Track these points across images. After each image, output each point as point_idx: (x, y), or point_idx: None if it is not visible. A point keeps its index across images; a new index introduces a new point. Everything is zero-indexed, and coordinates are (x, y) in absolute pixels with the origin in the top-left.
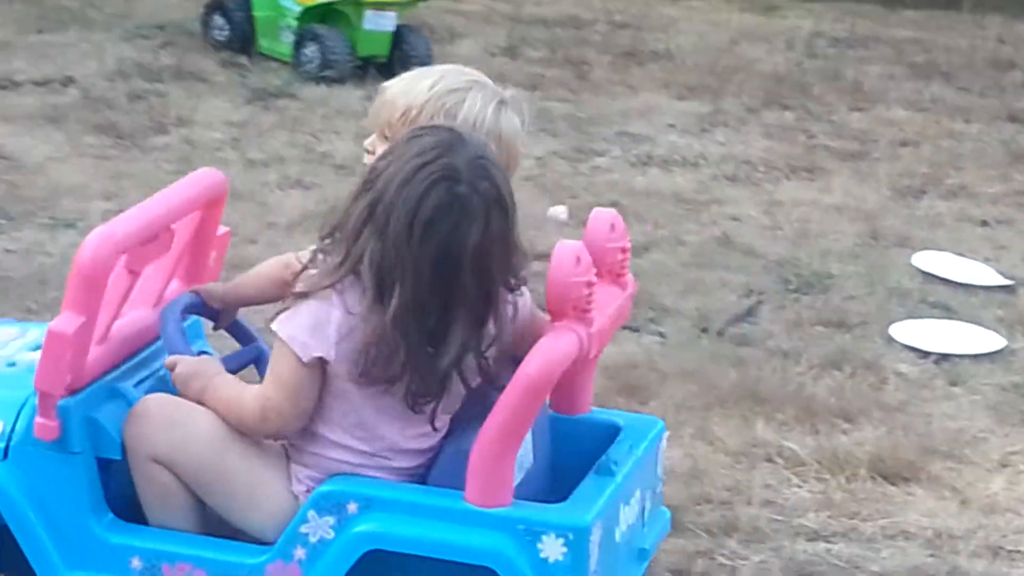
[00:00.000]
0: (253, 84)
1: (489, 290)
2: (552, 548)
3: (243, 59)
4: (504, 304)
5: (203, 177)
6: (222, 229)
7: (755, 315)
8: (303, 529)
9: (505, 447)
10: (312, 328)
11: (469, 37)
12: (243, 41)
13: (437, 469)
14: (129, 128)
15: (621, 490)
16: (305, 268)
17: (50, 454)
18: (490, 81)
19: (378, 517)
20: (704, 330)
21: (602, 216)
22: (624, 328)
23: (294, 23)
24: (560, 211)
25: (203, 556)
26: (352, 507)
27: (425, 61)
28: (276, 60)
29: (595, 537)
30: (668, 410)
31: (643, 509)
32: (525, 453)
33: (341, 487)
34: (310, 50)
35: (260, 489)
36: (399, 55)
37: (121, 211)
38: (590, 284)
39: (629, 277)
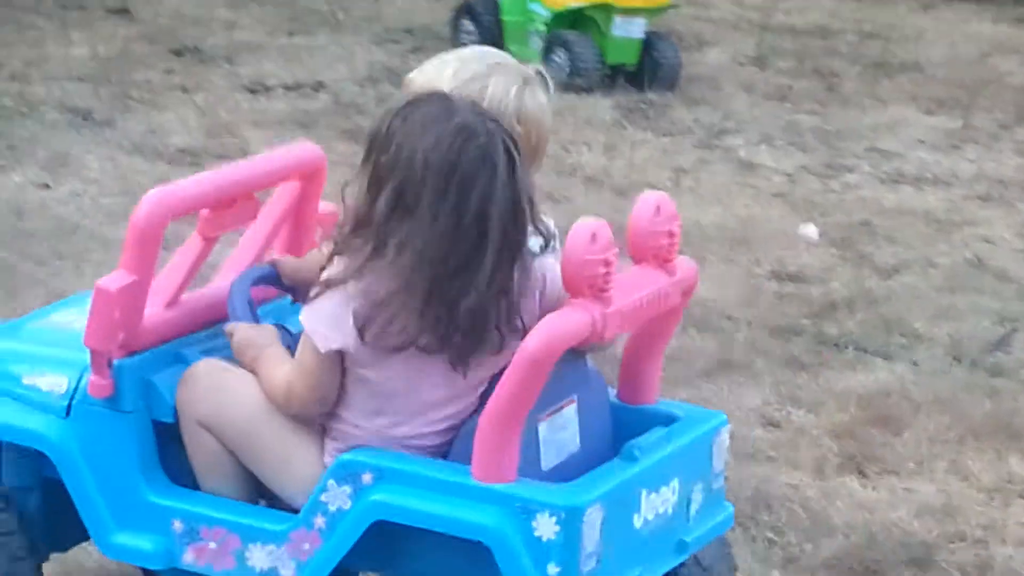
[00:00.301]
0: None
1: (524, 225)
2: (545, 526)
3: None
4: (533, 269)
5: (296, 149)
6: (330, 208)
7: (1009, 344)
8: (323, 498)
9: (507, 423)
10: (331, 319)
11: (717, 45)
12: (492, 45)
13: (456, 446)
14: None
15: (645, 477)
16: (325, 266)
17: (105, 412)
18: (512, 60)
19: (389, 488)
20: (957, 359)
21: (648, 198)
22: (875, 355)
23: (543, 28)
24: (811, 230)
25: (236, 521)
26: (367, 477)
27: (674, 69)
28: None
29: (593, 519)
30: (921, 442)
31: (687, 500)
32: (570, 437)
33: (358, 457)
34: (559, 56)
35: (293, 458)
36: (648, 62)
37: None
38: (607, 263)
39: (681, 261)
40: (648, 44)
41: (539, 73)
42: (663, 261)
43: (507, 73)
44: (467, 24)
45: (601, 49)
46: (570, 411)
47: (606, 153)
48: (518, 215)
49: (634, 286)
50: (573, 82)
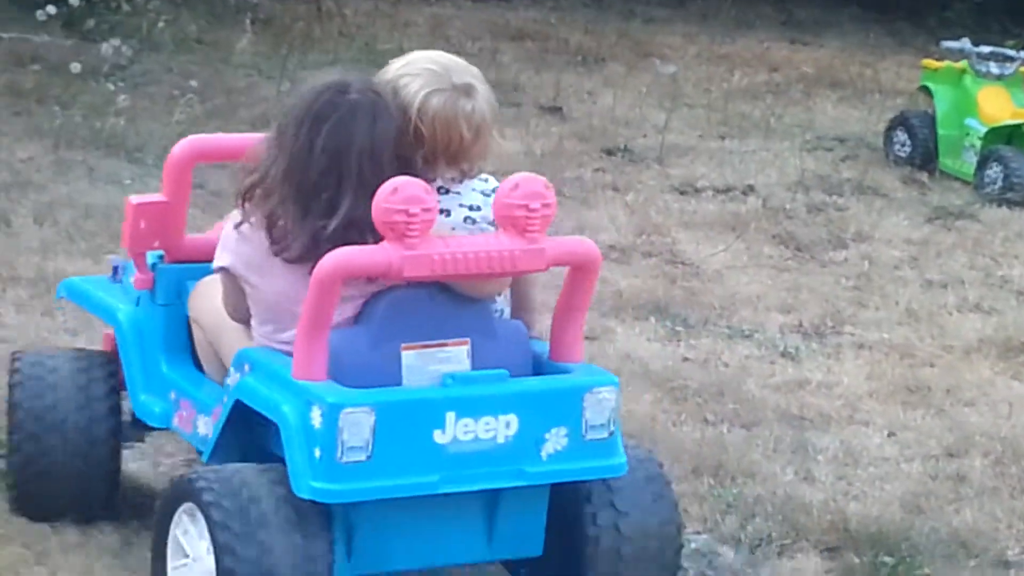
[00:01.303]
0: (933, 203)
1: (380, 179)
2: (316, 417)
3: (923, 176)
4: None
5: None
6: None
7: None
8: (228, 381)
9: (310, 334)
10: (220, 243)
11: None
12: (925, 158)
13: None
14: (807, 240)
15: (453, 403)
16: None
17: (151, 304)
18: (457, 69)
19: (252, 376)
20: None
21: (512, 178)
22: None
23: (978, 143)
24: None
25: (193, 394)
26: (246, 367)
27: None
28: (957, 179)
29: (357, 419)
30: None
31: (537, 439)
32: (460, 363)
33: (244, 352)
34: (993, 171)
35: (235, 352)
36: None
37: (799, 324)
38: (409, 213)
39: (565, 239)
40: None
41: (470, 86)
42: (522, 231)
43: (431, 77)
44: (901, 135)
45: None
46: (459, 351)
47: None
48: (376, 163)
49: (468, 244)
50: (1006, 196)
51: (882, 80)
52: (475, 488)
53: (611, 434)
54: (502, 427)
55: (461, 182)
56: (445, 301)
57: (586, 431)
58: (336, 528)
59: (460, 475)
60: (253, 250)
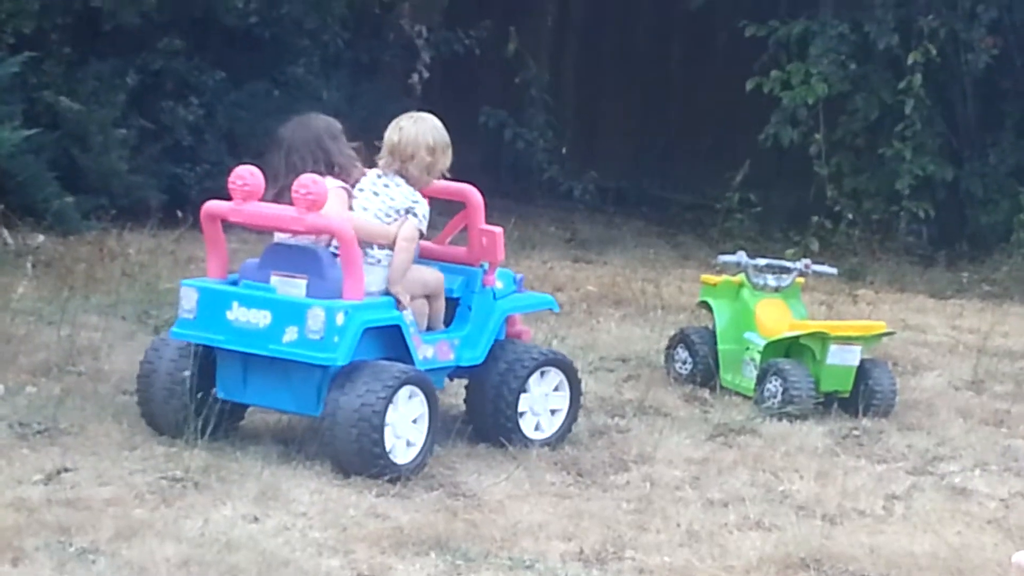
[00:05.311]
0: (715, 420)
1: (304, 165)
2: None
3: (705, 393)
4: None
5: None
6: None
7: None
8: None
9: (208, 251)
10: None
11: (934, 370)
12: (706, 375)
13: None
14: (589, 465)
15: (239, 297)
16: None
17: None
18: (416, 116)
19: None
20: None
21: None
22: None
23: (757, 356)
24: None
25: None
26: None
27: (889, 396)
28: (738, 395)
29: (188, 294)
30: None
31: (280, 329)
32: (299, 293)
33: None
34: (772, 385)
35: None
36: (862, 390)
37: (580, 552)
38: (236, 184)
39: (312, 212)
40: (863, 371)
41: (409, 116)
42: (296, 206)
43: (407, 120)
44: (681, 353)
45: (816, 377)
46: (300, 282)
47: (817, 481)
48: (298, 155)
49: (269, 209)
50: (785, 410)
51: (664, 296)
52: (242, 350)
53: (322, 337)
54: (262, 318)
55: (392, 178)
56: (299, 253)
57: (307, 332)
58: (216, 365)
59: (236, 339)
60: None
